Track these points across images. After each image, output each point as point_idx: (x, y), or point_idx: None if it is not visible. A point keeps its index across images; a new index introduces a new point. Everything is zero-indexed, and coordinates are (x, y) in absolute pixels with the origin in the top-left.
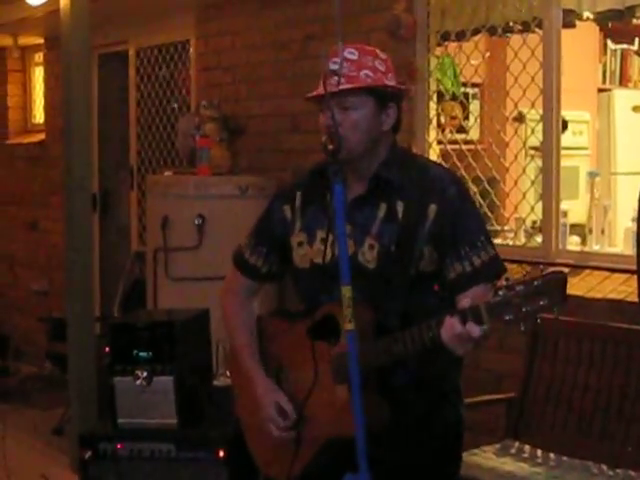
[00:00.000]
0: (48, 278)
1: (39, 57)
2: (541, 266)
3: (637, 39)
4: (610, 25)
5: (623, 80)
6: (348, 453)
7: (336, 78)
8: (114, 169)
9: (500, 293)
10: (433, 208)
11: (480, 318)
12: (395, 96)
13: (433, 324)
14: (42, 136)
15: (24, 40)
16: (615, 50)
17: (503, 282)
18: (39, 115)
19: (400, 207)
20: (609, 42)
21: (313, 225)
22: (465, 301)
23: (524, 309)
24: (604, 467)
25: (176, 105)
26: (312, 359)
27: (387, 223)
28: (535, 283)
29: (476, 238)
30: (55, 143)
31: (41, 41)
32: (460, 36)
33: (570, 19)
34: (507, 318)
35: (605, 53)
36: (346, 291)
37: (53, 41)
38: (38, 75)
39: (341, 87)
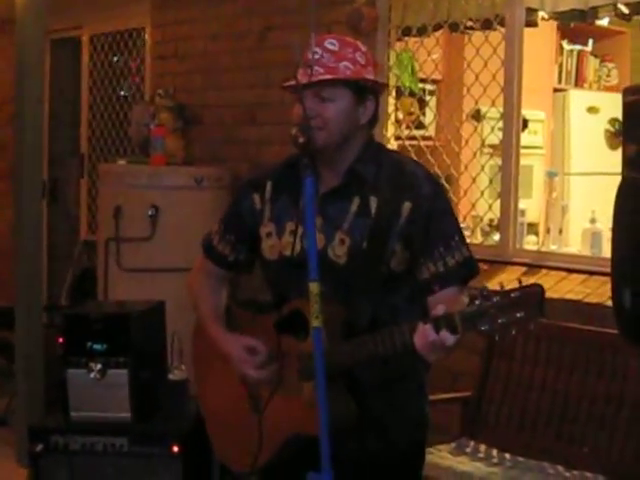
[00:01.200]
0: None
1: None
2: (519, 279)
3: (591, 40)
4: (572, 25)
5: (579, 81)
6: (312, 450)
7: (313, 68)
8: (64, 156)
9: (476, 302)
10: (407, 206)
11: (455, 327)
12: (373, 90)
13: (406, 329)
14: None
15: None
16: (571, 50)
17: (479, 291)
18: None
19: (373, 202)
20: (565, 42)
21: (282, 216)
22: (439, 308)
23: (500, 320)
24: (560, 468)
25: (127, 93)
26: (278, 353)
27: (359, 218)
28: (512, 295)
29: (450, 238)
30: (4, 128)
31: None
32: (421, 31)
33: (532, 18)
34: (482, 328)
35: (561, 53)
36: (314, 287)
37: (5, 25)
38: None
39: (320, 78)
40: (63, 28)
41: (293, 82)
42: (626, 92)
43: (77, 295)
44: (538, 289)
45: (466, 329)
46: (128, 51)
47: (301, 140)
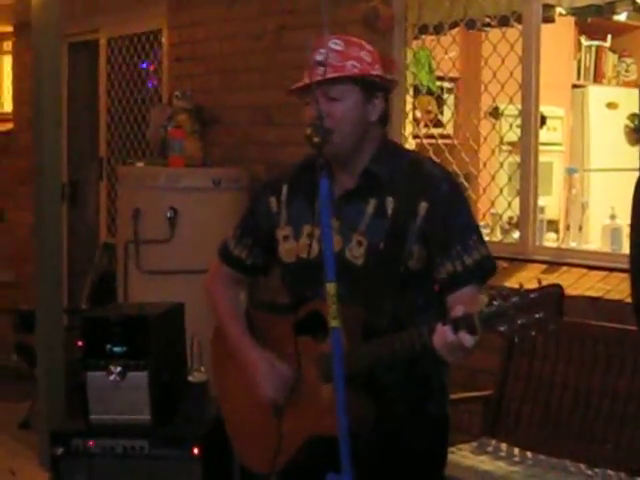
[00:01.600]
0: (15, 269)
1: (7, 45)
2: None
3: (609, 36)
4: (589, 21)
5: (597, 77)
6: (331, 451)
7: (322, 69)
8: (83, 159)
9: (495, 303)
10: (424, 205)
11: (474, 328)
12: (382, 87)
13: (425, 331)
14: (10, 125)
15: None
16: (590, 46)
17: (497, 292)
18: (7, 104)
19: (390, 203)
20: (583, 38)
21: (299, 219)
22: (458, 308)
23: (519, 321)
24: (582, 466)
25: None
26: (296, 355)
27: (376, 219)
28: (531, 295)
29: (468, 237)
30: (23, 132)
31: (10, 29)
32: (438, 29)
33: (549, 14)
34: (501, 329)
35: (580, 49)
36: (330, 288)
37: (22, 29)
38: (6, 64)
39: (328, 76)
40: (81, 31)
41: (301, 84)
42: None
43: (97, 298)
44: (557, 289)
45: (485, 330)
46: (145, 53)
47: (316, 140)
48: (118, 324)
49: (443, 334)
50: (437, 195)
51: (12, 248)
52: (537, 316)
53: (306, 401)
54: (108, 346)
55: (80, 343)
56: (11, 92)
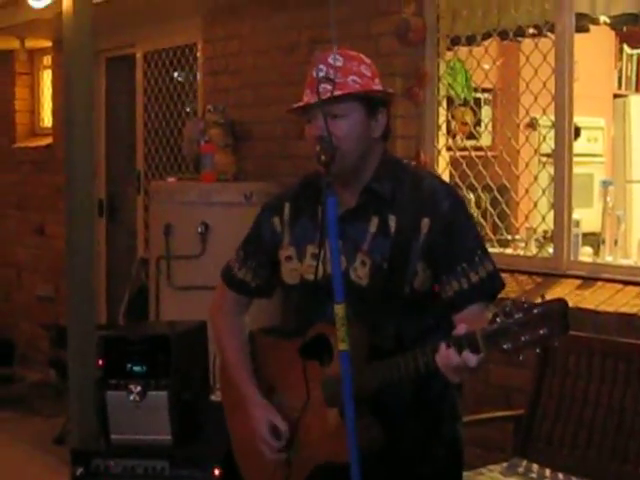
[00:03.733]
0: (54, 284)
1: (47, 60)
2: (542, 294)
3: None
4: (625, 29)
5: (639, 86)
6: (342, 477)
7: (326, 86)
8: (122, 174)
9: (498, 320)
10: (426, 222)
11: (477, 347)
12: (384, 101)
13: (428, 350)
14: (49, 140)
15: (32, 43)
16: (631, 55)
17: (500, 308)
18: (47, 119)
19: (392, 221)
20: (625, 47)
21: (303, 239)
22: (461, 327)
23: (523, 338)
24: None
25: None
26: (303, 380)
27: (379, 238)
28: (535, 311)
29: (473, 253)
30: (62, 147)
31: (49, 44)
32: (471, 40)
33: (583, 23)
34: (505, 347)
35: (621, 58)
36: (339, 310)
37: (61, 44)
38: (46, 78)
39: (329, 95)
40: (117, 46)
41: (302, 103)
42: None
43: (134, 313)
44: (561, 304)
45: (489, 348)
46: (181, 67)
47: (324, 158)
48: (138, 343)
49: (445, 354)
50: (439, 211)
51: (51, 263)
52: (541, 332)
53: (313, 427)
54: (128, 365)
55: (100, 362)
56: (51, 107)
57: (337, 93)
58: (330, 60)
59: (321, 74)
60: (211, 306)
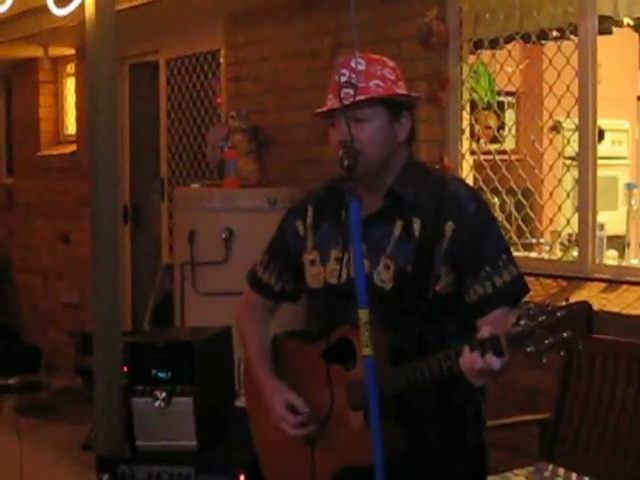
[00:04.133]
0: (79, 291)
1: (71, 68)
2: (565, 296)
3: None
4: None
5: None
6: None
7: (348, 91)
8: (146, 180)
9: (521, 323)
10: (450, 226)
11: (500, 350)
12: (408, 105)
13: (452, 354)
14: (74, 147)
15: (55, 51)
16: None
17: (524, 311)
18: (71, 126)
19: (417, 225)
20: None
21: (326, 243)
22: (484, 330)
23: (547, 341)
24: None
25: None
26: (327, 384)
27: (403, 241)
28: (559, 313)
29: (497, 257)
30: (87, 154)
31: (72, 52)
32: (493, 44)
33: (607, 26)
34: (529, 350)
35: None
36: (363, 315)
37: (85, 51)
38: (70, 86)
39: (352, 100)
40: (141, 53)
41: (325, 108)
42: None
43: (159, 319)
44: (585, 306)
45: (512, 351)
46: (204, 74)
47: (347, 163)
48: (163, 350)
49: (470, 357)
50: (463, 215)
51: (76, 270)
52: (565, 335)
53: (337, 431)
54: (153, 372)
55: (125, 369)
56: (75, 114)
57: (359, 98)
58: (352, 64)
59: (343, 79)
60: (237, 309)
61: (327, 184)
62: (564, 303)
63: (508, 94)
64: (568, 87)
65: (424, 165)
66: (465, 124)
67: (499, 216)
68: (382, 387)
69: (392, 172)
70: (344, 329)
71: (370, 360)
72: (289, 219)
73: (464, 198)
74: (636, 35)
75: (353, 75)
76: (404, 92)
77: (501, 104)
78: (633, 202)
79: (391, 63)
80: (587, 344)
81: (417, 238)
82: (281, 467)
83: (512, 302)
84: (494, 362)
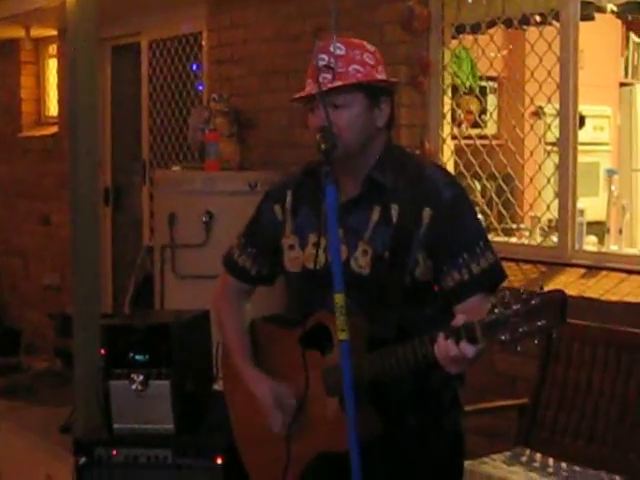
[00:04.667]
0: (60, 273)
1: (53, 49)
2: (540, 285)
3: None
4: (630, 18)
5: None
6: (341, 467)
7: (323, 76)
8: (128, 162)
9: (496, 311)
10: (428, 212)
11: (474, 337)
12: (387, 90)
13: (427, 341)
14: (55, 129)
15: (37, 32)
16: (638, 43)
17: (499, 299)
18: (53, 108)
19: (395, 210)
20: (632, 35)
21: (305, 228)
22: (459, 317)
23: (521, 329)
24: (617, 478)
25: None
26: (303, 369)
27: (381, 227)
28: (533, 302)
29: (475, 244)
30: (68, 136)
31: (55, 33)
32: (475, 28)
33: (589, 12)
34: (503, 338)
35: (627, 47)
36: (339, 299)
37: (66, 32)
38: (52, 67)
39: (330, 85)
40: (123, 35)
41: (304, 93)
42: None
43: (140, 302)
44: (559, 295)
45: (487, 339)
46: (186, 56)
47: (324, 147)
48: (141, 332)
49: (443, 344)
50: (441, 201)
51: (57, 252)
52: (539, 323)
53: (313, 417)
54: (131, 354)
55: (102, 351)
56: (57, 96)
57: (337, 84)
58: (331, 49)
59: (322, 63)
60: (214, 294)
61: (306, 168)
62: (539, 291)
63: (490, 79)
64: (550, 73)
65: (403, 151)
66: (447, 109)
67: (479, 201)
68: (358, 372)
69: (371, 158)
70: (321, 314)
71: (346, 344)
72: (267, 203)
73: (442, 184)
74: (619, 21)
75: (332, 60)
76: (383, 77)
77: (483, 89)
78: (613, 188)
79: (371, 48)
80: (567, 330)
81: (395, 224)
82: (258, 452)
83: (489, 289)
84: (468, 350)
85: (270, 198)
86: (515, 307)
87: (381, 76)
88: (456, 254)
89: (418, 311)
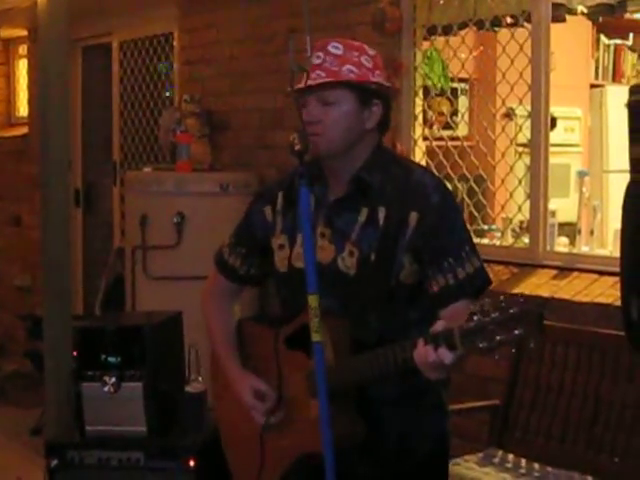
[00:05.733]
0: (31, 274)
1: (23, 49)
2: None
3: (632, 34)
4: (600, 19)
5: (616, 76)
6: (323, 469)
7: (317, 72)
8: (98, 163)
9: (474, 318)
10: (414, 216)
11: (453, 344)
12: (381, 94)
13: (407, 346)
14: (25, 129)
15: (7, 32)
16: (608, 45)
17: (478, 307)
18: (23, 108)
19: (382, 213)
20: (602, 37)
21: (294, 228)
22: (439, 323)
23: (498, 337)
24: (590, 478)
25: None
26: (288, 370)
27: (368, 229)
28: (511, 311)
29: (460, 249)
30: (38, 137)
31: (25, 33)
32: (447, 30)
33: (560, 13)
34: (481, 345)
35: (598, 48)
36: (312, 300)
37: (37, 33)
38: (22, 68)
39: (317, 81)
40: (93, 35)
41: (297, 87)
42: (632, 91)
43: (111, 303)
44: (538, 305)
45: (465, 346)
46: (157, 57)
47: (297, 147)
48: (113, 334)
49: (422, 350)
50: (428, 205)
51: (28, 253)
52: (516, 332)
53: (297, 418)
54: (103, 356)
55: (74, 353)
56: (27, 96)
57: (323, 80)
58: (329, 48)
59: (317, 61)
60: (203, 292)
61: (297, 170)
62: (519, 299)
63: (461, 80)
64: (521, 74)
65: (393, 154)
66: (418, 110)
67: None
68: (340, 376)
69: (358, 158)
70: (306, 316)
71: (319, 346)
72: (257, 204)
73: (429, 188)
74: (589, 23)
75: (327, 58)
76: (378, 80)
77: (454, 90)
78: (584, 190)
79: (371, 51)
80: (539, 342)
81: (382, 226)
82: (241, 452)
83: (473, 294)
84: (446, 356)
85: (261, 199)
86: (493, 315)
87: (376, 79)
88: (442, 259)
89: (402, 314)
